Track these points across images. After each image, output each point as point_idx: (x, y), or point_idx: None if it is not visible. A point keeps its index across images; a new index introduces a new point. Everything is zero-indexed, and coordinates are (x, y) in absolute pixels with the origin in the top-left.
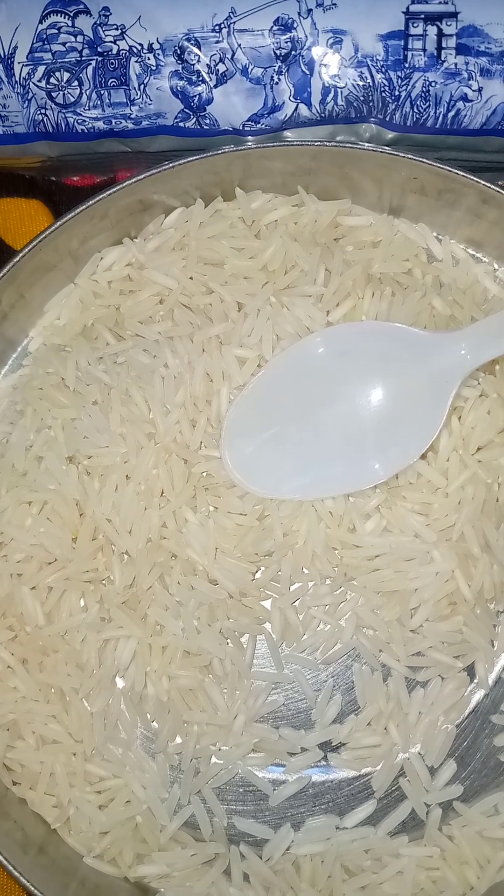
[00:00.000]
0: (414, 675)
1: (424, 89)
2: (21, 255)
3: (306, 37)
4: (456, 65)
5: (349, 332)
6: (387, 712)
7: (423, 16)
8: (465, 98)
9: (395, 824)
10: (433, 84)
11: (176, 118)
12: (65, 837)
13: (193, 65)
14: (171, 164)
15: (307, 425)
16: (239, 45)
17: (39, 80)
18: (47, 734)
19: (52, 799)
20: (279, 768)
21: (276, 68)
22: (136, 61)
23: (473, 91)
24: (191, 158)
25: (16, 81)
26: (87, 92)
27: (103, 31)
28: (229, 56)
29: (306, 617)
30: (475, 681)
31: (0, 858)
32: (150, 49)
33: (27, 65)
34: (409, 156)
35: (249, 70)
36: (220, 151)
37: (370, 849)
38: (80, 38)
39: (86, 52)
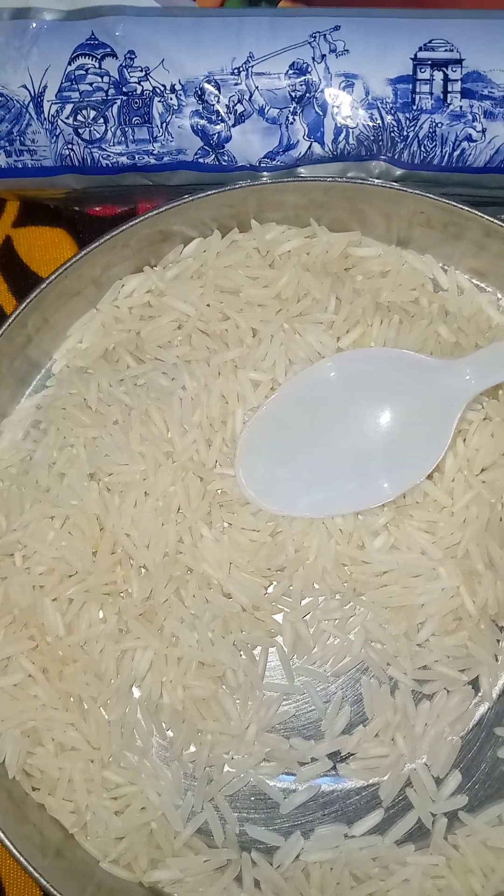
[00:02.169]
0: (420, 689)
1: (431, 130)
2: (47, 282)
3: (320, 80)
4: (461, 107)
5: (359, 357)
6: (394, 724)
7: (430, 62)
8: (469, 138)
9: (402, 833)
10: (439, 125)
11: (196, 154)
12: (82, 842)
13: (213, 105)
14: (190, 198)
15: (318, 445)
16: (256, 87)
17: (67, 118)
18: (66, 741)
19: (70, 804)
20: (290, 777)
21: (292, 109)
22: (159, 101)
23: (477, 132)
24: (209, 192)
25: (45, 118)
26: (112, 129)
27: (128, 73)
28: (247, 97)
29: (316, 630)
30: (479, 694)
31: (22, 861)
32: (173, 90)
33: (56, 103)
34: (416, 191)
35: (266, 110)
36: (236, 186)
37: (378, 857)
38: (106, 79)
39: (111, 91)
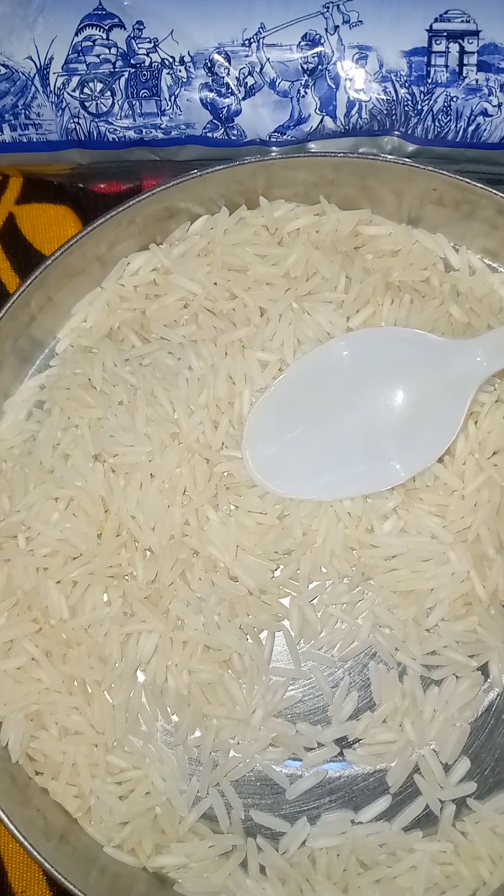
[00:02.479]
0: (429, 674)
1: (446, 104)
2: (51, 259)
3: (333, 52)
4: (477, 81)
5: (370, 337)
6: (402, 709)
7: (445, 33)
8: (485, 113)
9: (410, 819)
10: (454, 99)
11: (205, 129)
12: (85, 827)
13: (223, 77)
14: (198, 173)
15: (328, 427)
16: (267, 59)
17: (73, 90)
18: (70, 725)
19: (73, 789)
20: (296, 763)
21: (303, 82)
22: (168, 73)
23: (493, 106)
24: (217, 168)
25: (50, 91)
26: (119, 102)
27: (136, 44)
28: (258, 69)
29: (324, 615)
30: (489, 680)
31: (26, 845)
32: (182, 62)
33: (62, 75)
34: (429, 168)
35: (277, 83)
36: (245, 161)
37: (385, 843)
38: (113, 51)
39: (119, 63)
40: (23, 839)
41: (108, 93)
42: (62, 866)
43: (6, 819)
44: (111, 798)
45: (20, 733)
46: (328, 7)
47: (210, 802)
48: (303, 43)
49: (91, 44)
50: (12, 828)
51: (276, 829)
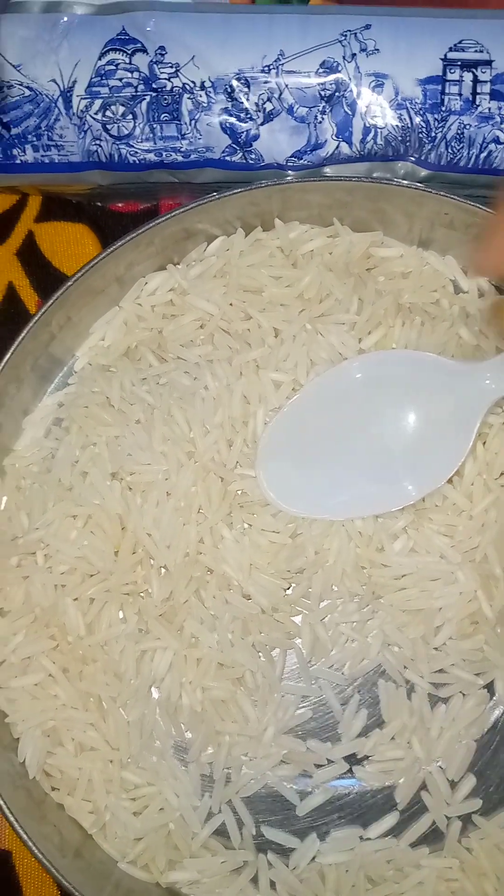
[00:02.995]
0: (437, 692)
1: (459, 131)
2: (73, 280)
3: (350, 79)
4: (489, 109)
5: (382, 359)
6: (410, 727)
7: (459, 63)
8: (496, 140)
9: (417, 836)
10: (468, 127)
11: (223, 152)
12: (100, 843)
13: (242, 103)
14: (216, 196)
15: (340, 447)
16: (286, 86)
17: (96, 113)
18: (85, 741)
19: (88, 805)
20: (306, 779)
21: (321, 108)
22: (189, 98)
23: None
24: (235, 191)
25: (73, 113)
26: (141, 125)
27: (158, 69)
28: (276, 95)
29: (335, 633)
30: (494, 698)
31: (43, 860)
32: (202, 87)
33: (84, 98)
34: (440, 192)
35: (295, 109)
36: (261, 185)
37: (392, 859)
38: (136, 75)
39: (141, 87)
40: (40, 854)
41: (130, 116)
42: (77, 882)
43: (24, 834)
44: (126, 814)
45: (37, 749)
46: (346, 35)
47: (222, 818)
48: (321, 70)
49: (114, 68)
50: (30, 844)
51: (286, 844)
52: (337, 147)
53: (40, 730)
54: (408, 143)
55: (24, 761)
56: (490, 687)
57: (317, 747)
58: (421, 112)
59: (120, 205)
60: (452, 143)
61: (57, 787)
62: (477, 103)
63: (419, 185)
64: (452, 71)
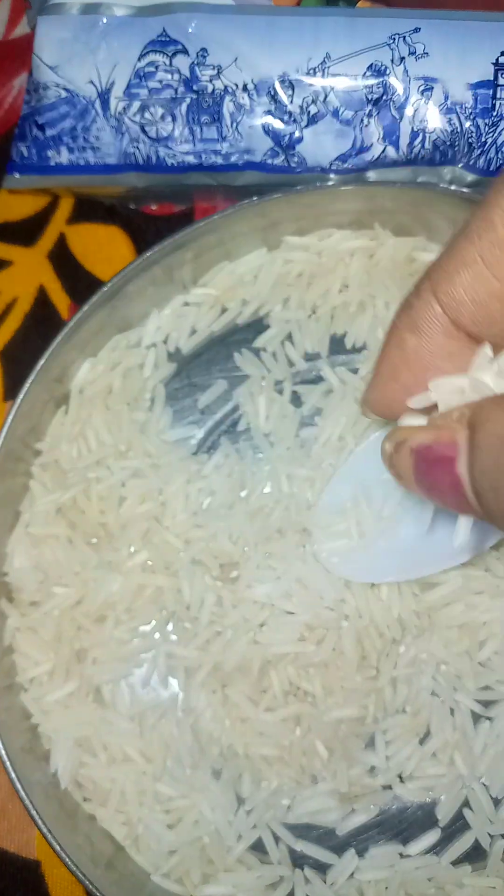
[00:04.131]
0: (483, 708)
1: None
2: (109, 285)
3: (398, 83)
4: None
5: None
6: (452, 743)
7: None
8: None
9: (459, 854)
10: None
11: (265, 155)
12: (133, 855)
13: (286, 105)
14: (256, 200)
15: (395, 507)
16: (332, 88)
17: (134, 115)
18: (119, 752)
19: (121, 816)
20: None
21: (367, 111)
22: (231, 100)
23: None
24: (275, 195)
25: (111, 115)
26: (180, 128)
27: (200, 71)
28: (321, 98)
29: (400, 687)
30: None
31: (76, 872)
32: (245, 89)
33: (123, 100)
34: None
35: (340, 112)
36: (303, 189)
37: (433, 877)
38: (176, 77)
39: (181, 89)
40: (73, 865)
41: (169, 118)
42: (110, 894)
43: (56, 845)
44: (159, 826)
45: (69, 760)
46: (394, 38)
47: (258, 833)
48: (368, 73)
49: (154, 69)
50: (63, 854)
51: (323, 860)
52: (383, 151)
53: (73, 739)
54: (456, 148)
55: (56, 772)
56: None
57: (357, 775)
58: (471, 116)
59: (153, 207)
60: (503, 149)
61: (89, 798)
62: None
63: (465, 190)
64: None
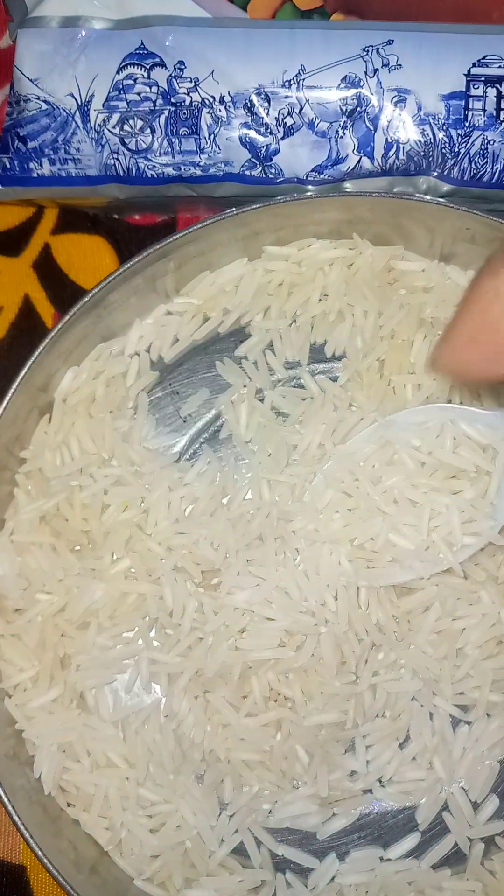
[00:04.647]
0: (464, 715)
1: (482, 147)
2: (90, 295)
3: (372, 94)
4: None
5: (411, 419)
6: (431, 747)
7: (483, 78)
8: None
9: (439, 857)
10: (491, 142)
11: (243, 167)
12: (116, 859)
13: (262, 117)
14: (235, 211)
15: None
16: (307, 100)
17: (114, 127)
18: (102, 758)
19: (104, 821)
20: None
21: (342, 123)
22: (208, 112)
23: None
24: (254, 206)
25: (91, 127)
26: (159, 139)
27: (177, 83)
28: (297, 110)
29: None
30: None
31: (58, 877)
32: (222, 101)
33: (102, 112)
34: (463, 208)
35: (316, 124)
36: (282, 200)
37: (413, 881)
38: (154, 89)
39: (159, 102)
40: (55, 871)
41: (148, 130)
42: None
43: (39, 851)
44: (142, 831)
45: (53, 765)
46: (368, 50)
47: (240, 837)
48: (342, 85)
49: (132, 82)
50: (45, 860)
51: (305, 864)
52: (358, 162)
53: (56, 745)
54: (430, 159)
55: (39, 777)
56: None
57: (341, 783)
58: (444, 127)
59: (137, 217)
60: (476, 159)
61: (73, 803)
62: (501, 119)
63: (441, 200)
64: (476, 86)
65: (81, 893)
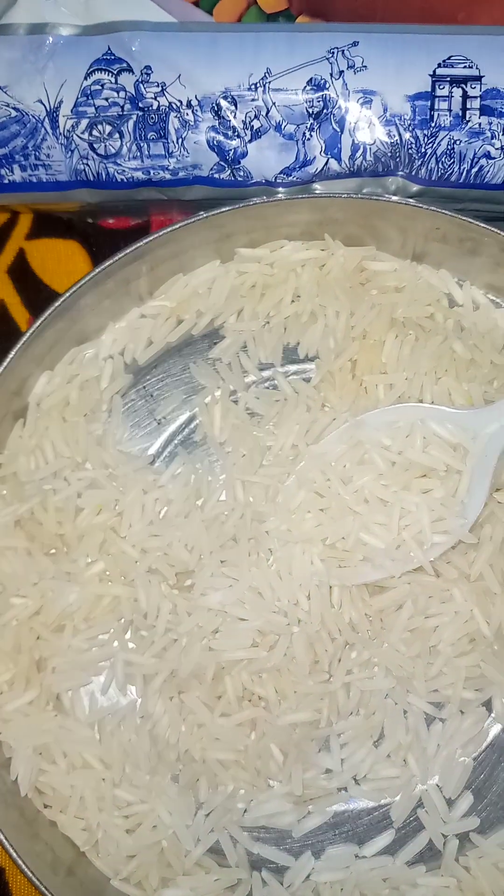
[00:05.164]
0: (434, 710)
1: (449, 147)
2: (63, 298)
3: (338, 96)
4: (479, 124)
5: (382, 419)
6: (406, 745)
7: (448, 78)
8: (487, 155)
9: (413, 854)
10: (458, 142)
11: (211, 170)
12: (93, 860)
13: (229, 120)
14: (204, 215)
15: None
16: (273, 103)
17: (82, 133)
18: (78, 759)
19: (81, 822)
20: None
21: (309, 125)
22: (175, 116)
23: (496, 149)
24: (224, 209)
25: (60, 133)
26: (128, 144)
27: (145, 88)
28: (264, 113)
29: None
30: (492, 715)
31: (33, 879)
32: (189, 105)
33: (71, 118)
34: (432, 208)
35: (283, 126)
36: (252, 202)
37: (388, 877)
38: (122, 94)
39: (127, 107)
40: (30, 873)
41: (117, 135)
42: None
43: (14, 853)
44: (118, 831)
45: (29, 767)
46: (333, 52)
47: (216, 836)
48: (308, 87)
49: (100, 87)
50: (20, 862)
51: (280, 862)
52: (326, 164)
53: (32, 747)
54: (397, 159)
55: (15, 779)
56: (488, 704)
57: (316, 781)
58: (410, 128)
59: (111, 221)
60: (443, 159)
61: (49, 805)
62: (467, 119)
63: (411, 200)
64: (441, 87)
65: (57, 895)
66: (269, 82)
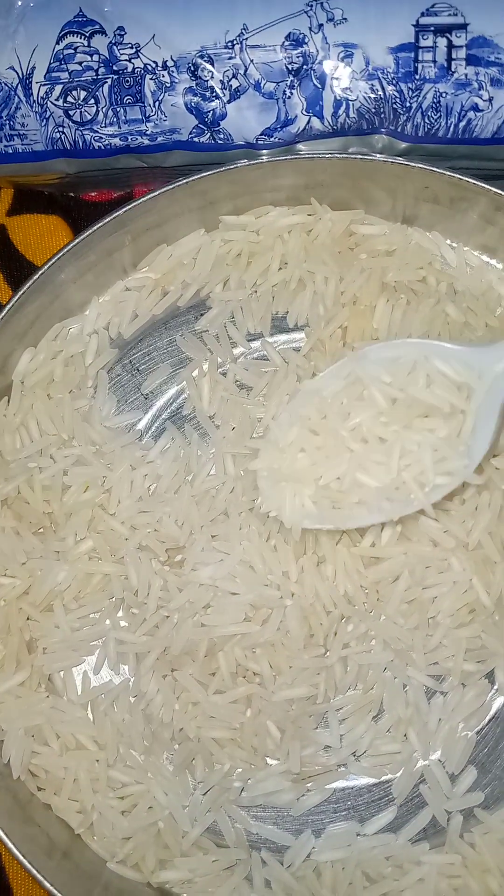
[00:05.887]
0: (439, 685)
1: (435, 100)
2: (41, 271)
3: (317, 51)
4: (466, 75)
5: (383, 354)
6: (406, 719)
7: (432, 28)
8: (475, 108)
9: (416, 831)
10: (444, 95)
11: (191, 133)
12: (88, 843)
13: (207, 81)
14: (184, 180)
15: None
16: (251, 61)
17: (57, 99)
18: (71, 740)
19: (75, 804)
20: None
21: (289, 83)
22: (151, 79)
23: (484, 101)
24: (204, 174)
25: (34, 101)
26: (104, 109)
27: (118, 50)
28: (242, 72)
29: (351, 665)
30: (495, 687)
31: (25, 863)
32: (165, 66)
33: (45, 84)
34: (422, 165)
35: (262, 85)
36: (233, 165)
37: (391, 856)
38: (95, 58)
39: (101, 70)
40: (22, 858)
41: (92, 100)
42: (64, 884)
43: (6, 838)
44: (113, 813)
45: (21, 749)
46: (311, 5)
47: (213, 816)
48: (286, 43)
49: (73, 51)
50: (12, 847)
51: (280, 842)
52: (308, 122)
53: (24, 729)
54: (382, 115)
55: (8, 762)
56: (490, 677)
57: (316, 758)
58: (394, 81)
59: (93, 194)
60: (429, 113)
61: (43, 788)
62: (453, 70)
63: (398, 158)
64: (425, 37)
65: (52, 880)
66: (246, 39)
